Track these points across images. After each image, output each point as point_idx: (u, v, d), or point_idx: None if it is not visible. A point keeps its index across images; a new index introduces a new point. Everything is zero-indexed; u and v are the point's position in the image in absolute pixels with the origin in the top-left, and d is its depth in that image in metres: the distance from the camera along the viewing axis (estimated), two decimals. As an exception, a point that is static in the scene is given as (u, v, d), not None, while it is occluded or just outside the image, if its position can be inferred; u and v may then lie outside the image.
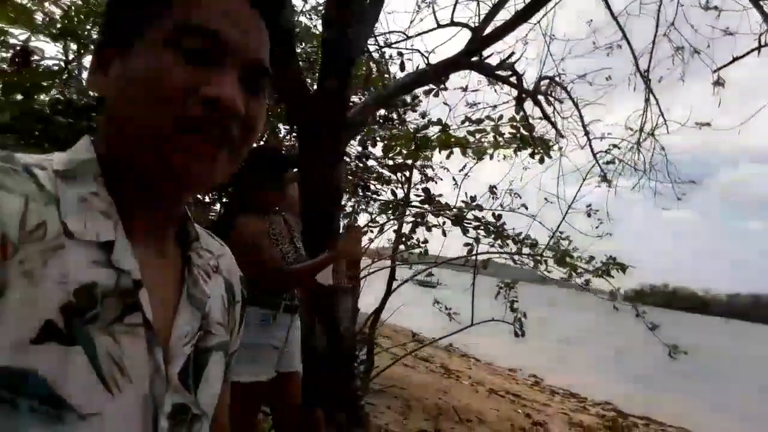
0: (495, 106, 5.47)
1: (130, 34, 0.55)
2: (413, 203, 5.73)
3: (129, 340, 0.51)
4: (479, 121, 5.50)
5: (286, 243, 2.43)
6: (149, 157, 0.53)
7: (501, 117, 5.35)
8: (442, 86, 5.23)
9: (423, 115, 5.78)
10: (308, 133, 3.48)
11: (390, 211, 5.81)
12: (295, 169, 2.82)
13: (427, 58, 4.67)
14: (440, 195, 5.60)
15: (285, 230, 2.52)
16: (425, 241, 5.70)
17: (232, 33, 0.54)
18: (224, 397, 0.74)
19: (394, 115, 6.05)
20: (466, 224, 5.63)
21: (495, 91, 5.67)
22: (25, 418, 0.44)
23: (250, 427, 2.30)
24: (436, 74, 4.23)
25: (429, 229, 5.81)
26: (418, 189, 5.66)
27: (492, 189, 5.55)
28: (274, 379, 2.38)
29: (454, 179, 5.95)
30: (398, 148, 5.30)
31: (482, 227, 5.63)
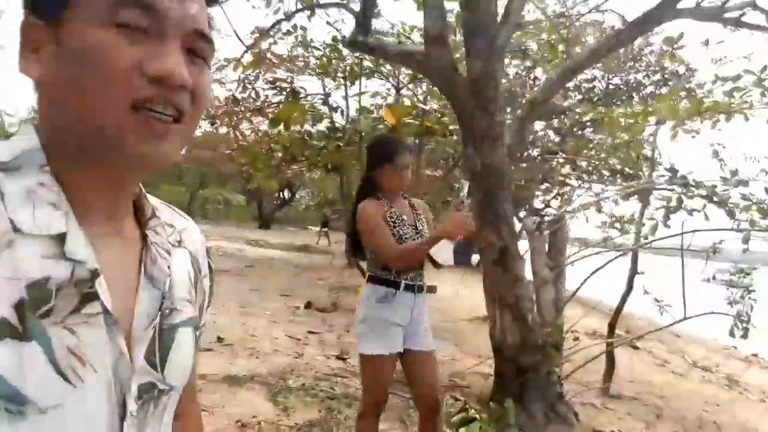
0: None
1: (56, 8, 0.53)
2: (657, 185, 4.97)
3: (88, 330, 0.52)
4: (736, 78, 4.46)
5: (406, 225, 2.54)
6: (100, 141, 0.52)
7: (766, 68, 4.23)
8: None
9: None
10: (463, 115, 3.49)
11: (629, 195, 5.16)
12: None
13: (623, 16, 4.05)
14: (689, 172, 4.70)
15: (409, 213, 2.63)
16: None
17: (171, 4, 0.53)
18: (194, 370, 0.76)
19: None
20: (731, 205, 4.60)
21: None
22: None
23: (381, 396, 2.48)
24: (637, 31, 3.66)
25: (690, 213, 4.95)
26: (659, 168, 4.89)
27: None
28: (406, 357, 2.52)
29: (715, 152, 4.93)
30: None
31: (755, 207, 4.50)
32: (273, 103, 8.87)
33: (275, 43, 7.60)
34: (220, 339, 5.24)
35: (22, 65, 0.55)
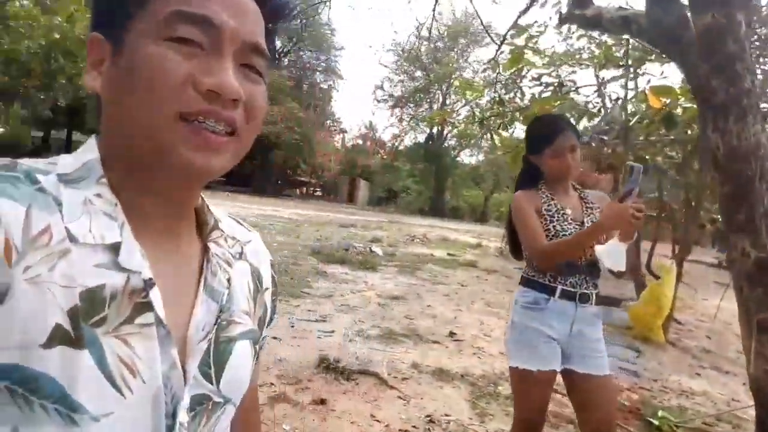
0: None
1: (119, 25, 0.55)
2: None
3: (140, 341, 0.52)
4: None
5: (568, 221, 2.13)
6: (154, 154, 0.53)
7: None
8: None
9: None
10: (696, 84, 2.69)
11: None
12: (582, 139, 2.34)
13: None
14: None
15: (577, 207, 2.20)
16: None
17: (226, 18, 0.54)
18: (255, 381, 0.79)
19: None
20: None
21: None
22: (42, 418, 0.46)
23: (532, 415, 2.15)
24: None
25: None
26: None
27: None
28: (571, 379, 2.13)
29: None
30: None
31: None
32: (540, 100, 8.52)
33: (537, 36, 7.31)
34: (452, 334, 5.32)
35: (85, 79, 0.58)
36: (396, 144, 44.16)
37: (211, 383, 0.60)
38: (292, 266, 8.08)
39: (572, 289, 2.08)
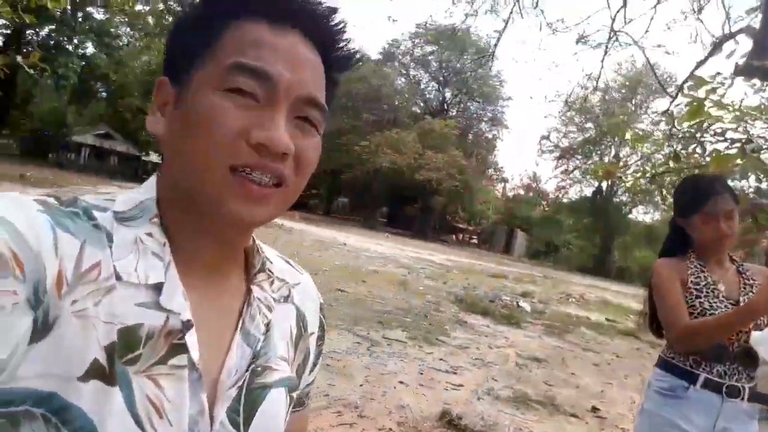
0: None
1: (184, 71, 0.57)
2: None
3: (171, 383, 0.52)
4: None
5: (719, 299, 1.81)
6: (202, 199, 0.54)
7: None
8: None
9: None
10: None
11: None
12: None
13: None
14: None
15: (733, 282, 1.86)
16: None
17: (284, 72, 0.55)
18: (301, 430, 0.78)
19: None
20: None
21: None
22: None
23: None
24: None
25: None
26: None
27: None
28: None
29: None
30: None
31: None
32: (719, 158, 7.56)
33: (719, 87, 6.60)
34: (594, 409, 4.81)
35: (148, 120, 0.60)
36: (560, 196, 42.40)
37: (238, 430, 0.59)
38: (432, 312, 8.04)
39: (719, 380, 1.76)
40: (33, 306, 0.46)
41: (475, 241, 43.79)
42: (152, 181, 0.60)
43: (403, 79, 45.84)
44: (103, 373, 0.49)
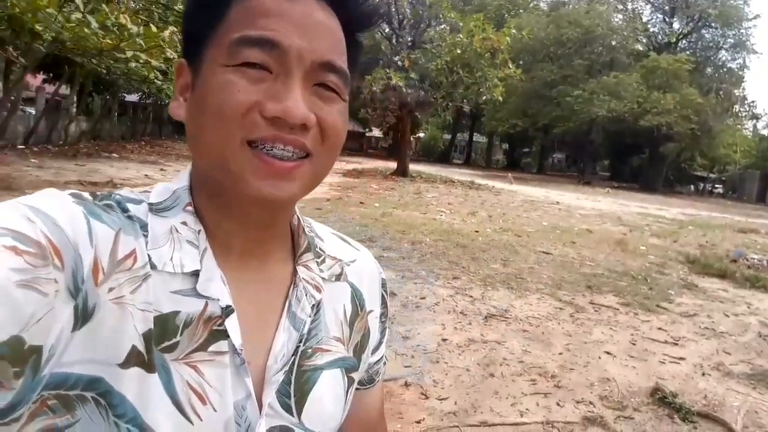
0: None
1: (197, 51, 0.55)
2: None
3: (213, 369, 0.52)
4: None
5: None
6: (225, 181, 0.53)
7: None
8: None
9: None
10: None
11: None
12: None
13: None
14: None
15: None
16: None
17: (294, 38, 0.52)
18: (375, 410, 0.79)
19: None
20: None
21: None
22: None
23: None
24: None
25: None
26: None
27: None
28: None
29: None
30: None
31: None
32: None
33: None
34: None
35: (171, 107, 0.59)
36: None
37: (292, 414, 0.58)
38: (654, 274, 7.24)
39: None
40: (73, 294, 0.47)
41: (719, 190, 37.88)
42: (186, 171, 0.60)
43: (620, 16, 41.10)
44: (142, 360, 0.49)
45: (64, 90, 19.75)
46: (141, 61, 8.76)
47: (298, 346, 0.60)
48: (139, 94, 25.60)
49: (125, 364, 0.49)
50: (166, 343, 0.51)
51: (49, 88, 20.11)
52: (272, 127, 0.51)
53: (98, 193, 0.56)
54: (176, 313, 0.52)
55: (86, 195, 0.54)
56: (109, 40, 7.97)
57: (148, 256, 0.52)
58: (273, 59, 0.52)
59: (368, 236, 7.75)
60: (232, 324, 0.54)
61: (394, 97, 18.93)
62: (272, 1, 0.53)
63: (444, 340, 4.11)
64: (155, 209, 0.56)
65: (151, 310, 0.51)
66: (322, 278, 0.65)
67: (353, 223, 8.84)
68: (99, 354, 0.48)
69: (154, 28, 7.65)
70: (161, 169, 14.61)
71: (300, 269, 0.63)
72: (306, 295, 0.62)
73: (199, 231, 0.56)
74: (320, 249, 0.67)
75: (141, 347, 0.49)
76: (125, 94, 25.83)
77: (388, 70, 18.59)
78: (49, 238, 0.45)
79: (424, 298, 5.11)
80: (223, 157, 0.52)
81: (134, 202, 0.56)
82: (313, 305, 0.63)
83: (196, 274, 0.54)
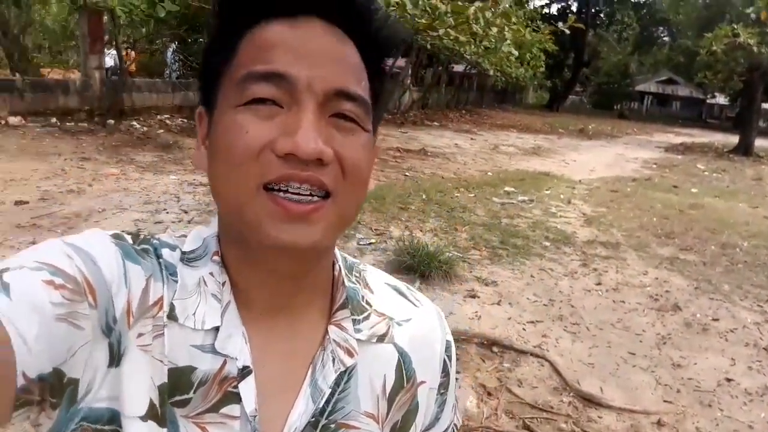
0: None
1: (211, 96, 0.53)
2: None
3: None
4: None
5: None
6: (243, 228, 0.49)
7: None
8: None
9: None
10: None
11: None
12: None
13: None
14: None
15: None
16: None
17: (301, 67, 0.48)
18: None
19: None
20: None
21: None
22: None
23: None
24: None
25: None
26: None
27: None
28: None
29: None
30: None
31: None
32: None
33: None
34: None
35: (193, 157, 0.57)
36: None
37: None
38: None
39: None
40: (105, 332, 0.47)
41: None
42: (216, 217, 0.58)
43: None
44: (155, 413, 0.48)
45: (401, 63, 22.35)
46: (451, 37, 9.31)
47: (317, 420, 0.54)
48: (464, 64, 27.20)
49: (144, 417, 0.48)
50: (179, 398, 0.50)
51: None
52: (285, 165, 0.47)
53: (139, 235, 0.56)
54: (192, 369, 0.50)
55: (126, 237, 0.54)
56: (424, 20, 8.66)
57: (172, 306, 0.51)
58: (282, 92, 0.48)
59: (665, 231, 6.71)
60: (247, 387, 0.51)
61: (743, 57, 15.74)
62: (278, 31, 0.50)
63: (728, 380, 3.31)
64: (186, 259, 0.54)
65: (167, 363, 0.50)
66: (359, 339, 0.58)
67: (651, 212, 7.75)
68: (122, 402, 0.48)
69: (461, 4, 8.03)
70: (471, 138, 15.37)
71: (331, 329, 0.57)
72: (333, 360, 0.56)
73: (224, 283, 0.53)
74: (366, 302, 0.60)
75: (156, 400, 0.49)
76: (453, 65, 27.74)
77: (735, 26, 15.31)
78: (85, 275, 0.46)
79: (717, 320, 4.19)
80: (238, 204, 0.48)
81: (170, 247, 0.55)
82: (342, 372, 0.56)
83: (217, 329, 0.51)
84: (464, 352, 3.31)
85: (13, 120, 8.73)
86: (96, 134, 9.00)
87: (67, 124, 9.28)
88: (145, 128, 10.11)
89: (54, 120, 9.22)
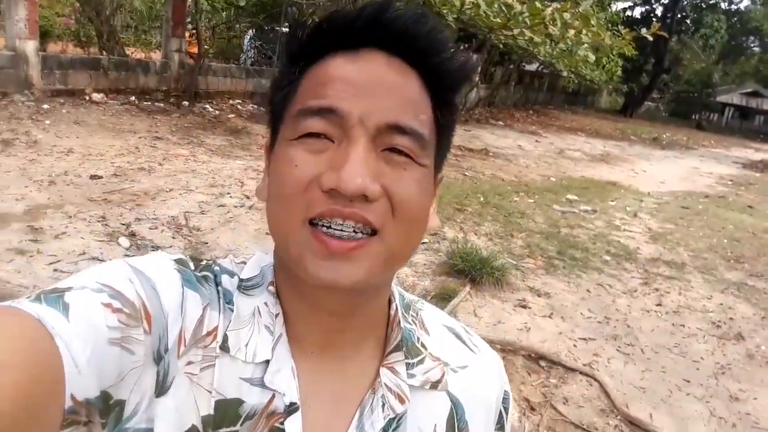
0: None
1: (274, 132, 0.54)
2: None
3: None
4: None
5: None
6: (290, 262, 0.49)
7: None
8: None
9: None
10: None
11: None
12: None
13: None
14: None
15: None
16: None
17: (353, 101, 0.48)
18: None
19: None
20: None
21: None
22: None
23: None
24: None
25: None
26: None
27: None
28: None
29: None
30: None
31: None
32: None
33: None
34: None
35: (256, 190, 0.58)
36: None
37: None
38: None
39: None
40: (156, 360, 0.47)
41: None
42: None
43: None
44: None
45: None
46: (525, 37, 9.08)
47: None
48: (536, 64, 26.56)
49: None
50: (224, 430, 0.49)
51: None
52: (330, 201, 0.46)
53: (201, 260, 0.56)
54: (240, 402, 0.50)
55: (189, 262, 0.54)
56: (498, 20, 8.50)
57: (225, 337, 0.51)
58: (334, 127, 0.48)
59: (735, 255, 6.34)
60: (293, 424, 0.50)
61: None
62: (338, 65, 0.50)
63: (791, 420, 3.12)
64: (243, 287, 0.54)
65: (214, 394, 0.49)
66: (411, 385, 0.56)
67: (721, 233, 7.33)
68: (167, 424, 0.48)
69: (538, 5, 7.78)
70: (536, 140, 14.98)
71: (383, 372, 0.56)
72: (383, 405, 0.54)
73: (277, 315, 0.53)
74: (421, 344, 0.59)
75: (200, 428, 0.48)
76: (525, 64, 27.11)
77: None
78: (144, 301, 0.46)
79: (784, 354, 3.94)
80: (285, 238, 0.49)
81: (229, 274, 0.55)
82: (391, 419, 0.54)
83: (268, 362, 0.51)
84: (510, 363, 3.26)
85: (96, 96, 9.20)
86: (170, 114, 9.37)
87: (145, 102, 9.70)
88: (217, 112, 10.44)
89: (133, 98, 9.65)
